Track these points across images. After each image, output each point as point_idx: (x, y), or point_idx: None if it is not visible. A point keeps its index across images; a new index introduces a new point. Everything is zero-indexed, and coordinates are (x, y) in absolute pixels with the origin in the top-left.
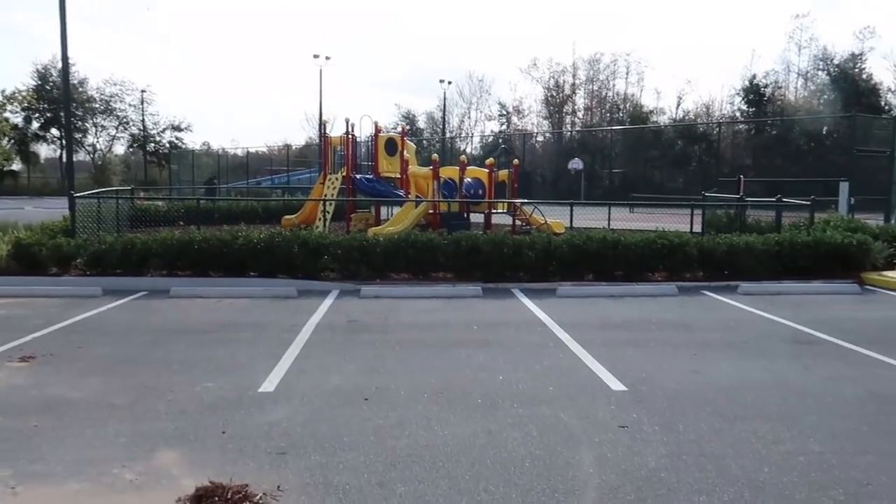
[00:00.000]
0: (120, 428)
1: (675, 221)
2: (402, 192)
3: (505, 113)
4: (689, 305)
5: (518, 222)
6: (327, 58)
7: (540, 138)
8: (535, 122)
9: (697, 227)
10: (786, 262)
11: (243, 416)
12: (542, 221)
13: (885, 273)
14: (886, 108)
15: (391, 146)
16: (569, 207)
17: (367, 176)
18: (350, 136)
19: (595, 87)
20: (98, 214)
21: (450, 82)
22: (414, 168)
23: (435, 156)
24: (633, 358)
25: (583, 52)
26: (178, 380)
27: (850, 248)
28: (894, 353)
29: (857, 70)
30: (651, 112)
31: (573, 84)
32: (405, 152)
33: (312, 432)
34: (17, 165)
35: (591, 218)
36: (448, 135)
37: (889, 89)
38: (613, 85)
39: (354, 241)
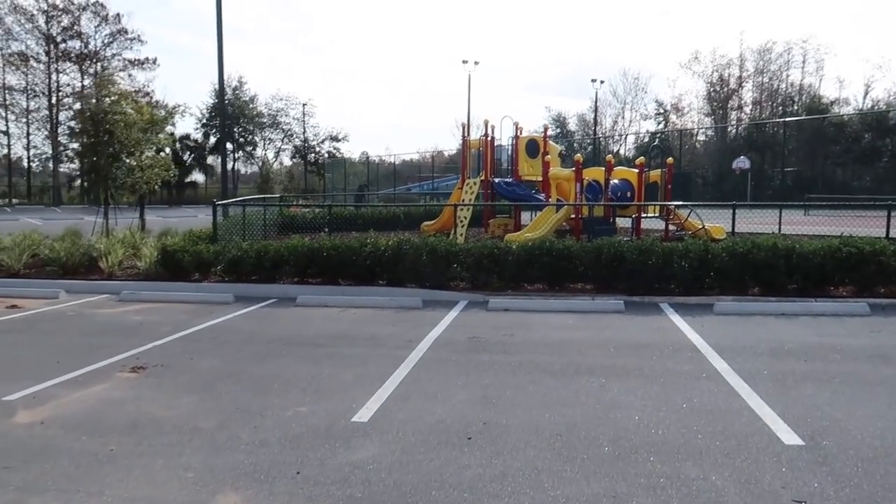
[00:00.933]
0: (193, 459)
1: (864, 226)
2: (543, 196)
3: (662, 111)
4: (888, 330)
5: (672, 227)
6: (476, 63)
7: (701, 137)
8: (695, 119)
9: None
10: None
11: (325, 452)
12: (700, 226)
13: None
14: None
15: (532, 148)
16: (731, 210)
17: (507, 179)
18: (488, 138)
19: (765, 80)
20: (243, 221)
21: (602, 82)
22: (555, 170)
23: (578, 156)
24: (813, 398)
25: (751, 41)
26: (273, 402)
27: None
28: None
29: None
30: (832, 103)
31: (740, 77)
32: (547, 154)
33: (397, 482)
34: (198, 176)
35: (758, 222)
36: (600, 136)
37: None
38: (787, 76)
39: (485, 249)
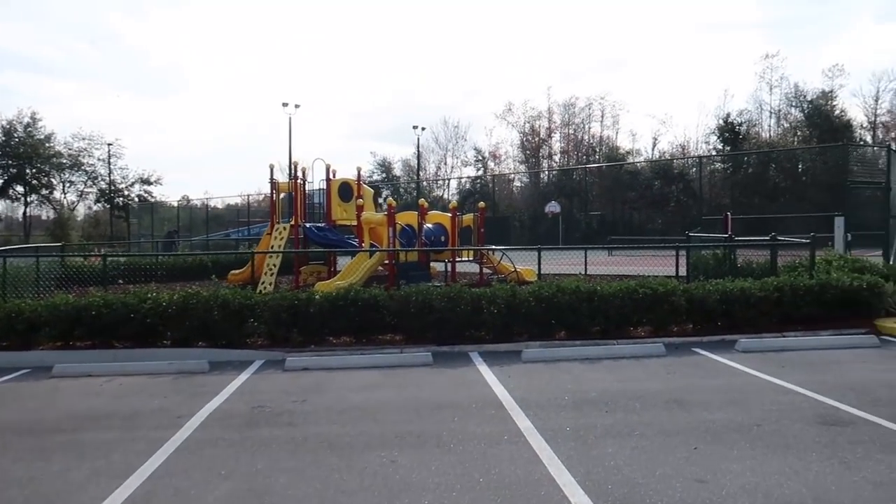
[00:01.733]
0: None
1: (657, 264)
2: (357, 242)
3: (481, 158)
4: (681, 370)
5: (487, 270)
6: (297, 105)
7: (518, 183)
8: (511, 166)
9: (684, 271)
10: (787, 310)
11: None
12: (512, 269)
13: None
14: (861, 143)
15: (346, 191)
16: (542, 252)
17: (318, 224)
18: (298, 181)
19: (571, 131)
20: (3, 275)
21: (423, 128)
22: (367, 214)
23: (391, 200)
24: (614, 457)
25: (558, 96)
26: None
27: (860, 292)
28: None
29: (829, 107)
30: (627, 153)
31: (549, 128)
32: (361, 197)
33: None
34: None
35: (568, 263)
36: (424, 182)
37: (861, 125)
38: (589, 128)
39: (284, 301)
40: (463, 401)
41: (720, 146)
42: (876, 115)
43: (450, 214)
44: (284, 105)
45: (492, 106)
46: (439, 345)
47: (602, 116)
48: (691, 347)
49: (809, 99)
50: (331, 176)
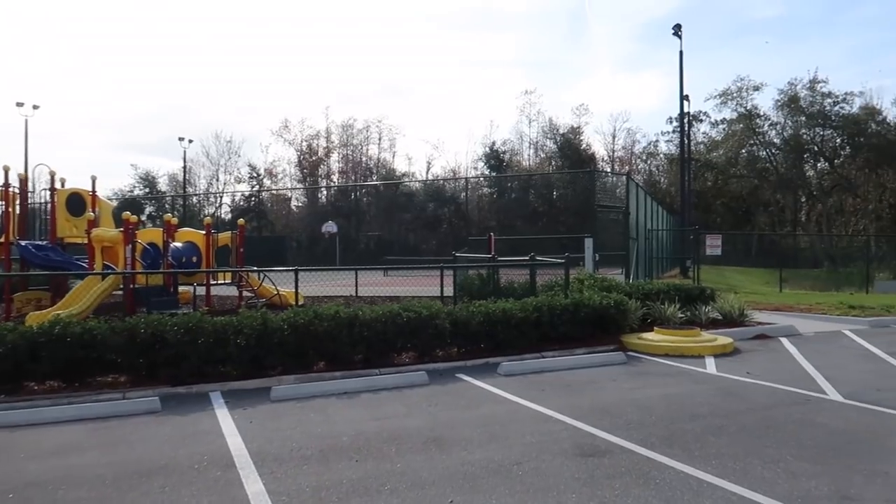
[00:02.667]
0: None
1: (430, 284)
2: (88, 263)
3: (256, 175)
4: (443, 401)
5: (247, 294)
6: (35, 107)
7: (296, 203)
8: (290, 185)
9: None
10: (546, 329)
11: None
12: (274, 292)
13: (643, 335)
14: (603, 174)
15: (76, 204)
16: (315, 273)
17: (38, 242)
18: (11, 190)
19: (349, 152)
20: None
21: (191, 141)
22: (99, 231)
23: (127, 214)
24: None
25: (336, 116)
26: None
27: (608, 309)
28: (695, 458)
29: (577, 141)
30: (403, 175)
31: (327, 147)
32: (96, 211)
33: None
34: None
35: (343, 284)
36: (194, 198)
37: (602, 158)
38: (367, 150)
39: None
40: (184, 461)
41: (487, 171)
42: (613, 151)
43: (203, 232)
44: (19, 105)
45: (268, 123)
46: (175, 385)
47: (380, 139)
48: (456, 373)
49: (562, 132)
50: (57, 185)
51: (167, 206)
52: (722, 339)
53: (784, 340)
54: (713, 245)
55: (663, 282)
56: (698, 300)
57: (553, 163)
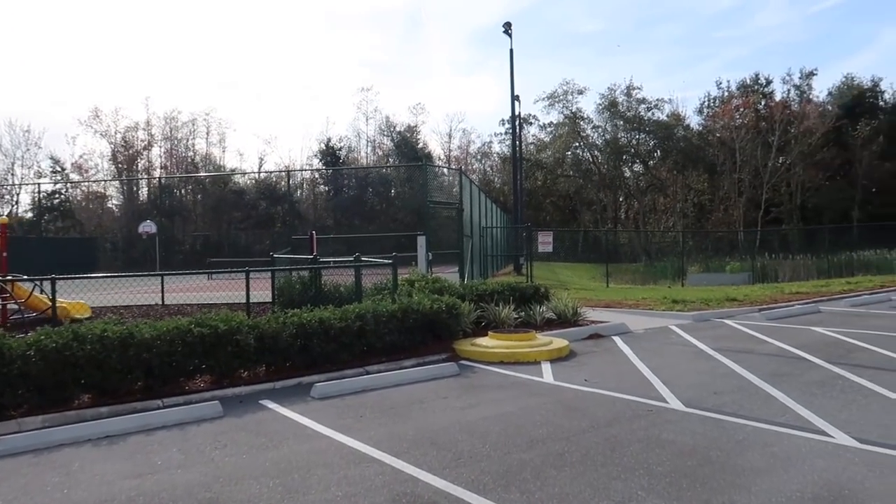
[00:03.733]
0: None
1: (261, 287)
2: None
3: (61, 169)
4: (235, 440)
5: (16, 306)
6: None
7: (114, 201)
8: (103, 181)
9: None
10: (371, 340)
11: None
12: (48, 304)
13: (477, 341)
14: (437, 168)
15: None
16: (52, 282)
17: None
18: None
19: (173, 146)
20: None
21: None
22: None
23: None
24: None
25: (158, 108)
26: None
27: (440, 315)
28: None
29: (414, 139)
30: (233, 171)
31: (147, 140)
32: None
33: None
34: None
35: (152, 291)
36: None
37: (439, 157)
38: (193, 144)
39: None
40: None
41: (322, 169)
42: (450, 150)
43: None
44: None
45: (76, 112)
46: None
47: (208, 133)
48: (260, 399)
49: (399, 130)
50: None
51: None
52: (557, 341)
53: (617, 339)
54: (545, 242)
55: (498, 281)
56: (533, 300)
57: (390, 160)
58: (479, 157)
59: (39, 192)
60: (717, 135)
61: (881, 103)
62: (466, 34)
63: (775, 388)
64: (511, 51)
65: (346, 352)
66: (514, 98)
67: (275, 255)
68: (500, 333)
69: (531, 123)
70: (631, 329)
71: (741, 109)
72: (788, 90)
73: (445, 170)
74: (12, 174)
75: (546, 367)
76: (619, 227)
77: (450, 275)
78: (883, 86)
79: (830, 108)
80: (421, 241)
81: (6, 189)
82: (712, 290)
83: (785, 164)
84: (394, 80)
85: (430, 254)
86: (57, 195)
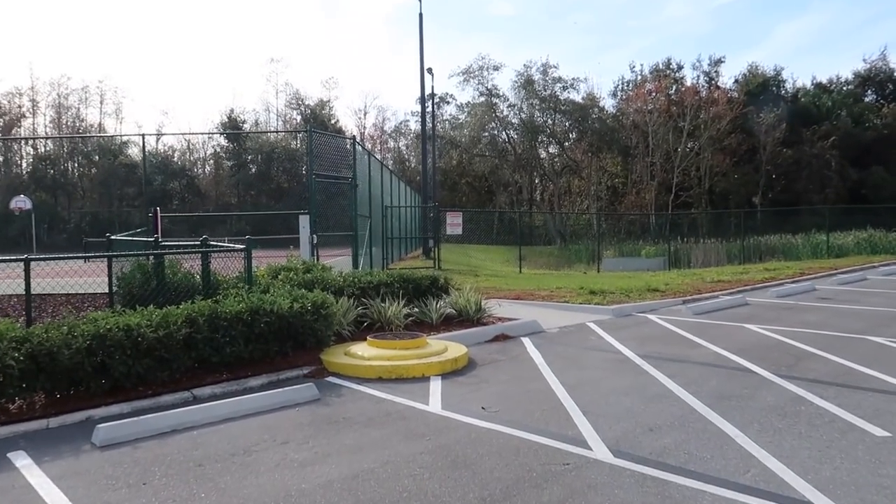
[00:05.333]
0: None
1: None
2: None
3: None
4: None
5: None
6: None
7: None
8: None
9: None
10: (205, 352)
11: None
12: None
13: (352, 349)
14: (327, 135)
15: None
16: None
17: None
18: None
19: (60, 114)
20: None
21: None
22: None
23: None
24: None
25: (43, 73)
26: None
27: (303, 317)
28: None
29: (326, 114)
30: (124, 144)
31: (32, 109)
32: None
33: None
34: None
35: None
36: None
37: (353, 134)
38: (86, 115)
39: None
40: None
41: (225, 142)
42: (364, 128)
43: None
44: None
45: None
46: None
47: (101, 102)
48: (12, 449)
49: (310, 105)
50: None
51: None
52: (454, 347)
53: (527, 342)
54: (454, 223)
55: (390, 271)
56: (429, 293)
57: (300, 136)
58: (395, 135)
59: None
60: (631, 118)
61: (783, 92)
62: (385, 13)
63: (726, 421)
64: (420, 15)
65: (165, 369)
66: (424, 67)
67: (112, 238)
68: (380, 340)
69: (448, 103)
70: (544, 328)
71: (654, 94)
72: (698, 76)
73: (343, 140)
74: None
75: (435, 387)
76: (535, 209)
77: (342, 260)
78: (784, 75)
79: (737, 94)
80: (304, 220)
81: None
82: (630, 277)
83: (694, 149)
84: (307, 55)
85: (314, 236)
86: None
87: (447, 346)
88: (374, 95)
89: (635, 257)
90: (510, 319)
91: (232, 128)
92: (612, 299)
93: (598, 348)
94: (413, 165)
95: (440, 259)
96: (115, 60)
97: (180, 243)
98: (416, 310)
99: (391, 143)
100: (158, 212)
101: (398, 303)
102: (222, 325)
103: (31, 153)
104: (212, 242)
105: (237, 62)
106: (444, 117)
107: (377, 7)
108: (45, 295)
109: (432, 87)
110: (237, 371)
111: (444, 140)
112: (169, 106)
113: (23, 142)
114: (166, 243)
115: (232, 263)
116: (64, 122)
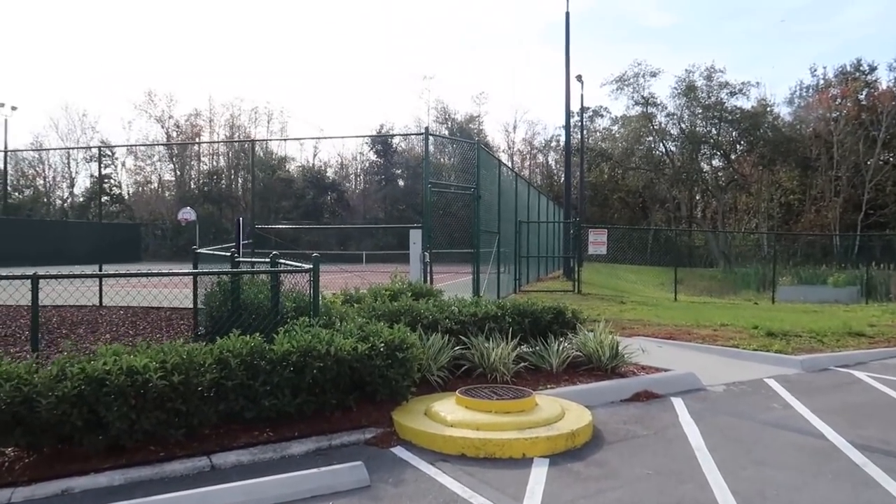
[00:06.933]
0: None
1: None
2: None
3: (109, 154)
4: None
5: None
6: None
7: (170, 191)
8: (156, 167)
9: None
10: (238, 405)
11: None
12: None
13: (435, 408)
14: (446, 139)
15: None
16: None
17: None
18: None
19: (231, 133)
20: None
21: (14, 108)
22: None
23: None
24: None
25: (220, 95)
26: None
27: (371, 361)
28: None
29: (473, 128)
30: (283, 159)
31: (209, 127)
32: None
33: None
34: None
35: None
36: (40, 182)
37: (500, 149)
38: (255, 133)
39: None
40: None
41: (374, 158)
42: (514, 143)
43: None
44: None
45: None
46: None
47: (269, 121)
48: None
49: (458, 120)
50: None
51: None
52: (573, 412)
53: (680, 406)
54: (597, 242)
55: (501, 301)
56: (550, 330)
57: (447, 150)
58: (544, 150)
59: (97, 176)
60: (811, 127)
61: None
62: (538, 29)
63: None
64: (567, 14)
65: (181, 426)
66: (570, 72)
67: (198, 251)
68: (472, 398)
69: (601, 115)
70: (704, 384)
71: (840, 99)
72: (895, 78)
73: (470, 145)
74: (72, 158)
75: (538, 477)
76: (695, 227)
77: (461, 282)
78: None
79: None
80: (415, 235)
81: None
82: (816, 311)
83: (891, 161)
84: (457, 72)
85: (426, 253)
86: (107, 179)
87: (564, 410)
88: (524, 110)
89: (819, 285)
90: (657, 370)
91: (380, 143)
92: (798, 345)
93: (785, 425)
94: (561, 180)
95: (581, 281)
96: (279, 82)
97: (252, 260)
98: (532, 349)
99: (540, 158)
100: (241, 223)
101: (505, 343)
102: (263, 370)
103: (205, 168)
104: (281, 260)
105: (389, 81)
106: (596, 130)
107: (530, 22)
108: (151, 308)
109: (581, 96)
110: (282, 428)
111: (594, 153)
112: (323, 123)
113: (193, 159)
114: (248, 259)
115: (329, 282)
116: (236, 137)
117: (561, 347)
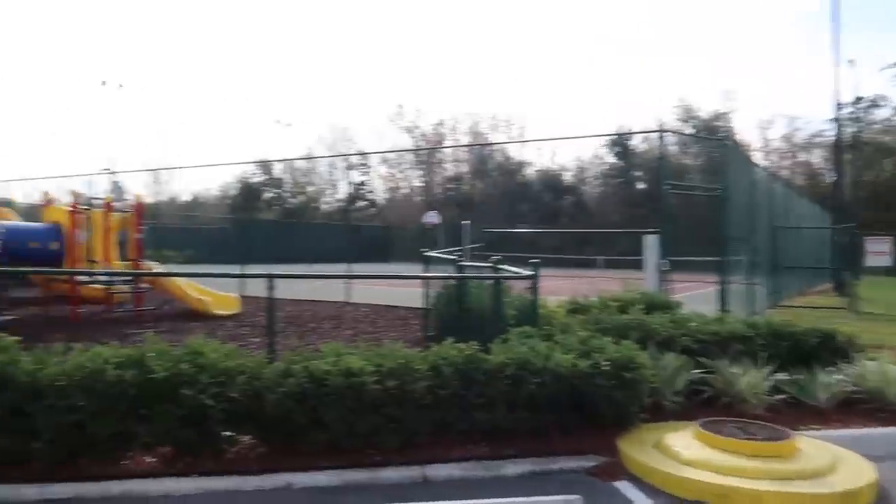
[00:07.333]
0: None
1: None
2: None
3: (364, 162)
4: None
5: (163, 297)
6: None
7: (420, 196)
8: (404, 174)
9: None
10: (451, 415)
11: None
12: (197, 295)
13: (669, 440)
14: (690, 137)
15: None
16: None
17: None
18: None
19: (472, 140)
20: None
21: (292, 123)
22: None
23: None
24: None
25: (462, 103)
26: None
27: (592, 380)
28: None
29: (719, 125)
30: (521, 164)
31: (454, 136)
32: None
33: None
34: None
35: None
36: (311, 187)
37: (753, 147)
38: (494, 139)
39: None
40: None
41: (613, 160)
42: (769, 141)
43: (70, 209)
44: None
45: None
46: None
47: (509, 127)
48: None
49: (702, 118)
50: None
51: (287, 194)
52: (849, 465)
53: None
54: (877, 252)
55: (752, 320)
56: (815, 357)
57: (690, 150)
58: (807, 147)
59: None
60: None
61: None
62: (795, 12)
63: None
64: None
65: (393, 433)
66: (839, 54)
67: (425, 253)
68: (715, 435)
69: (880, 106)
70: None
71: None
72: None
73: (715, 143)
74: (335, 167)
75: None
76: None
77: (704, 294)
78: None
79: None
80: (651, 241)
81: (327, 180)
82: None
83: None
84: (703, 67)
85: (665, 260)
86: (363, 185)
87: (836, 461)
88: (782, 104)
89: None
90: None
91: (618, 145)
92: None
93: None
94: (829, 181)
95: (857, 298)
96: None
97: (478, 265)
98: (791, 378)
99: (802, 157)
100: (467, 227)
101: (757, 370)
102: (477, 381)
103: (448, 174)
104: (502, 266)
105: (630, 80)
106: (874, 122)
107: (786, 8)
108: (390, 307)
109: (854, 85)
110: (496, 445)
111: (872, 147)
112: (563, 129)
113: (437, 166)
114: (472, 264)
115: (557, 288)
116: (475, 148)
117: (830, 380)
